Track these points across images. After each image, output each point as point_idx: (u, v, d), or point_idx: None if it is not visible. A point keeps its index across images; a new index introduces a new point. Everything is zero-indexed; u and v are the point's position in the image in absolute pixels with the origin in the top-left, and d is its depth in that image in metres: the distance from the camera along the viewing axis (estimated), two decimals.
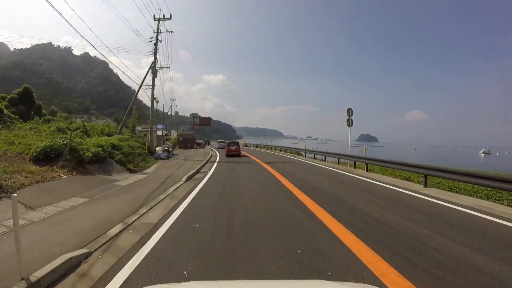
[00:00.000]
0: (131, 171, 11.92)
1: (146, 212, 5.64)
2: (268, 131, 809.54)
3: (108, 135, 19.69)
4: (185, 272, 2.96)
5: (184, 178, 9.69)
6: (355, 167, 13.85)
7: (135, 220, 5.07)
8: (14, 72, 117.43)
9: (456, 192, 8.13)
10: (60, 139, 11.91)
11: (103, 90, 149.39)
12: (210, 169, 13.04)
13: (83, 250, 3.55)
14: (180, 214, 5.40)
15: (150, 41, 22.81)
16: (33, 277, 2.74)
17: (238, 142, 24.25)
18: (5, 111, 21.93)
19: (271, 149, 33.79)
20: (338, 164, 15.74)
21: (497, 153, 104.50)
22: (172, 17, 22.19)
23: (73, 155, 10.86)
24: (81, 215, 5.27)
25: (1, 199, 6.03)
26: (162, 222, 4.87)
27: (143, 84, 22.62)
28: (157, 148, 21.64)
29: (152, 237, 4.10)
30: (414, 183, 9.96)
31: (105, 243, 3.90)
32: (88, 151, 11.06)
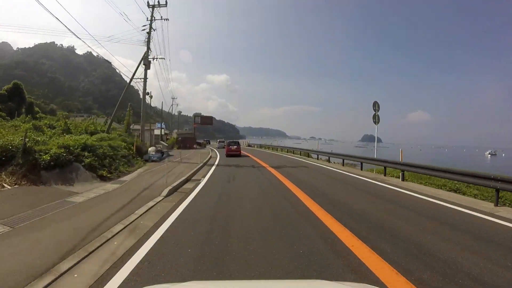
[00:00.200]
0: (103, 178, 9.41)
1: (65, 271, 3.08)
2: (271, 131, 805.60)
3: (92, 134, 17.31)
4: None
5: (165, 191, 7.16)
6: (385, 174, 11.20)
7: None
8: (16, 71, 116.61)
9: None
10: (20, 137, 9.49)
11: (106, 90, 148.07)
12: (205, 176, 10.48)
13: None
14: (126, 279, 2.83)
15: (143, 29, 20.41)
16: None
17: (238, 142, 23.52)
18: None
19: (277, 150, 31.16)
20: (362, 169, 13.06)
21: (503, 155, 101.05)
22: (167, 4, 19.74)
23: (26, 159, 8.42)
24: None
25: None
26: None
27: (135, 77, 20.23)
28: (149, 149, 19.17)
29: None
30: (479, 199, 7.34)
31: None
32: (47, 153, 8.60)
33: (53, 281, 2.89)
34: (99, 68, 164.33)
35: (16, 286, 2.68)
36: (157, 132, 38.61)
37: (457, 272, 2.92)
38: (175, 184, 8.15)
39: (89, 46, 40.75)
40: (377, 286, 1.65)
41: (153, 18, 20.32)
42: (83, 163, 9.52)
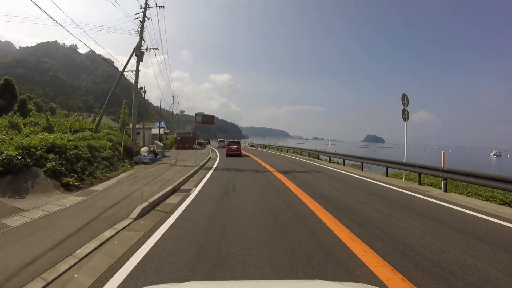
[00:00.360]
0: (68, 188, 7.45)
1: None
2: (274, 131, 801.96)
3: (77, 132, 15.43)
4: None
5: (136, 211, 5.16)
6: (419, 183, 9.12)
7: None
8: (17, 70, 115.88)
9: None
10: None
11: (108, 88, 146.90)
12: (198, 184, 8.45)
13: None
14: None
15: (136, 17, 18.48)
16: None
17: (239, 142, 23.43)
18: None
19: (281, 150, 29.08)
20: (387, 175, 10.96)
21: (508, 156, 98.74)
22: None
23: None
24: None
25: None
26: None
27: (127, 70, 18.34)
28: (142, 149, 17.26)
29: None
30: None
31: None
32: None
33: None
34: (101, 67, 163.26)
35: None
36: (153, 131, 36.74)
37: None
38: (155, 198, 6.14)
39: (86, 45, 39.01)
40: (377, 286, 1.59)
41: (147, 5, 18.39)
42: (45, 168, 7.59)
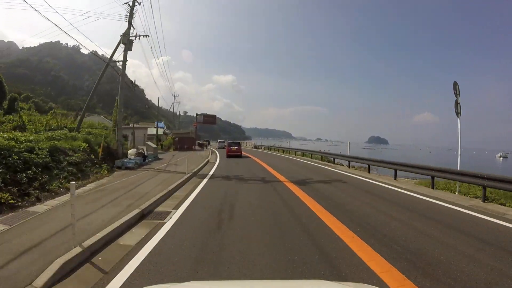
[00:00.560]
0: None
1: None
2: (277, 132, 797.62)
3: (51, 131, 13.24)
4: None
5: (48, 273, 2.79)
6: (484, 199, 6.67)
7: None
8: (19, 70, 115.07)
9: None
10: None
11: (111, 89, 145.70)
12: (181, 204, 6.00)
13: None
14: None
15: (126, 2, 16.27)
16: None
17: (239, 142, 23.11)
18: None
19: (288, 152, 26.58)
20: (433, 187, 8.46)
21: None
22: None
23: None
24: None
25: None
26: None
27: (116, 60, 16.20)
28: (129, 151, 15.03)
29: None
30: None
31: None
32: None
33: None
34: (104, 67, 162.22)
35: None
36: (153, 131, 34.56)
37: None
38: (98, 237, 3.77)
39: (86, 48, 37.10)
40: (377, 286, 1.56)
41: None
42: None
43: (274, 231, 4.21)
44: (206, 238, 3.86)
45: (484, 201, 6.75)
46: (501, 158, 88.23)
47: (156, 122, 36.63)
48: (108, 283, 2.68)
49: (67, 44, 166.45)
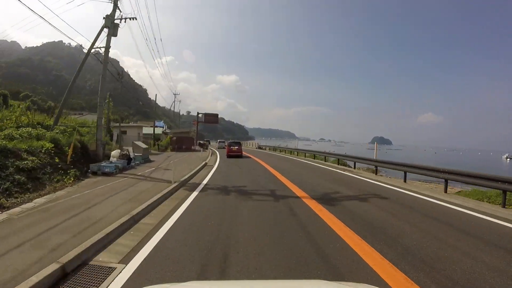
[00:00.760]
0: None
1: None
2: (280, 132, 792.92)
3: (20, 128, 11.05)
4: None
5: None
6: None
7: None
8: (21, 69, 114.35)
9: None
10: None
11: (113, 88, 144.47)
12: (144, 244, 3.65)
13: None
14: None
15: None
16: None
17: (240, 142, 22.86)
18: None
19: (296, 154, 24.09)
20: (504, 205, 6.02)
21: None
22: None
23: None
24: None
25: None
26: None
27: (98, 47, 14.02)
28: (112, 153, 12.76)
29: None
30: None
31: None
32: None
33: None
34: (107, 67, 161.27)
35: None
36: (149, 130, 32.42)
37: None
38: None
39: (83, 47, 35.09)
40: (377, 286, 1.52)
41: None
42: None
43: None
44: None
45: None
46: (508, 159, 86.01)
47: (154, 121, 34.46)
48: None
49: (69, 44, 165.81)
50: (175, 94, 50.92)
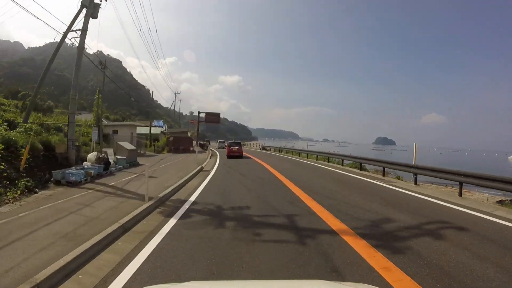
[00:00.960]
0: None
1: None
2: (284, 132, 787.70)
3: None
4: None
5: None
6: None
7: None
8: (23, 69, 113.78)
9: None
10: None
11: (116, 88, 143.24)
12: None
13: None
14: None
15: None
16: None
17: (240, 143, 22.36)
18: None
19: (307, 156, 21.62)
20: None
21: None
22: None
23: None
24: None
25: None
26: None
27: (74, 30, 11.94)
28: (89, 156, 10.57)
29: None
30: None
31: None
32: None
33: None
34: (109, 67, 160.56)
35: None
36: (144, 130, 30.33)
37: None
38: None
39: (75, 46, 33.20)
40: (377, 286, 1.49)
41: None
42: None
43: None
44: None
45: None
46: None
47: (150, 121, 32.37)
48: None
49: (72, 44, 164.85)
50: (175, 93, 48.93)
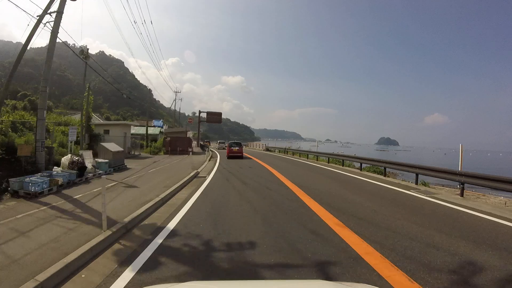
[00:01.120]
0: None
1: None
2: (287, 133, 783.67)
3: None
4: None
5: None
6: None
7: None
8: (24, 69, 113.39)
9: None
10: None
11: (115, 89, 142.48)
12: None
13: None
14: None
15: None
16: None
17: (240, 143, 21.77)
18: None
19: (317, 158, 19.69)
20: None
21: None
22: None
23: None
24: None
25: None
26: None
27: (50, 12, 10.38)
28: (62, 159, 8.92)
29: None
30: None
31: None
32: None
33: None
34: (110, 67, 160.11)
35: None
36: (140, 130, 28.79)
37: None
38: None
39: (77, 48, 31.80)
40: (377, 286, 1.46)
41: None
42: None
43: None
44: None
45: None
46: None
47: (147, 120, 30.80)
48: None
49: (74, 44, 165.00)
50: (176, 92, 47.31)
